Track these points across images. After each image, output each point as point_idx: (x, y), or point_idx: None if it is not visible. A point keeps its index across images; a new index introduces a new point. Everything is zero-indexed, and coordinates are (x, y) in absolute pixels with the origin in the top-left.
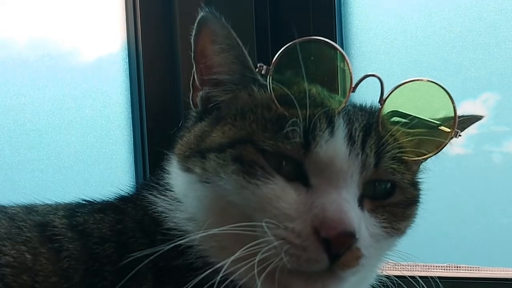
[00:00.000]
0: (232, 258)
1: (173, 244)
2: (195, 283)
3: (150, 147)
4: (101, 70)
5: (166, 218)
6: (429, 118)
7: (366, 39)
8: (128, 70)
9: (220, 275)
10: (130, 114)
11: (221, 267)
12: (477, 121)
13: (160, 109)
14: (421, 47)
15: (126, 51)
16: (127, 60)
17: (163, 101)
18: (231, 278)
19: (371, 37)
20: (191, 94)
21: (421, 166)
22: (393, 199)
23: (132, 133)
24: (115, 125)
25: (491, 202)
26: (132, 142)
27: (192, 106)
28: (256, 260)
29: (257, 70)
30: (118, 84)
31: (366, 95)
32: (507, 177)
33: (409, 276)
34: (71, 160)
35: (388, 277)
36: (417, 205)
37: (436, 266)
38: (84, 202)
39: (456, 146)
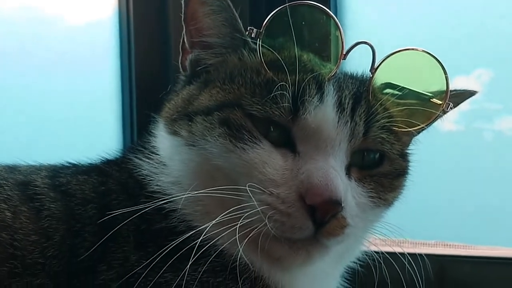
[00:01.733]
0: (214, 221)
1: (154, 205)
2: (177, 246)
3: (138, 113)
4: (91, 35)
5: (150, 181)
6: (421, 90)
7: (360, 9)
8: (118, 37)
9: (201, 238)
10: (120, 80)
11: (203, 231)
12: (470, 96)
13: (150, 76)
14: (416, 21)
15: (117, 17)
16: (118, 26)
17: (153, 68)
18: (213, 242)
19: (366, 8)
20: (180, 57)
21: (412, 140)
22: (381, 169)
23: (121, 99)
24: (104, 91)
25: (481, 180)
26: (121, 108)
27: (181, 70)
28: (239, 225)
29: (247, 33)
30: (108, 50)
31: (359, 65)
32: (498, 155)
33: (397, 252)
34: (58, 125)
35: (376, 252)
36: (406, 177)
37: (424, 243)
38: (68, 164)
39: (447, 122)
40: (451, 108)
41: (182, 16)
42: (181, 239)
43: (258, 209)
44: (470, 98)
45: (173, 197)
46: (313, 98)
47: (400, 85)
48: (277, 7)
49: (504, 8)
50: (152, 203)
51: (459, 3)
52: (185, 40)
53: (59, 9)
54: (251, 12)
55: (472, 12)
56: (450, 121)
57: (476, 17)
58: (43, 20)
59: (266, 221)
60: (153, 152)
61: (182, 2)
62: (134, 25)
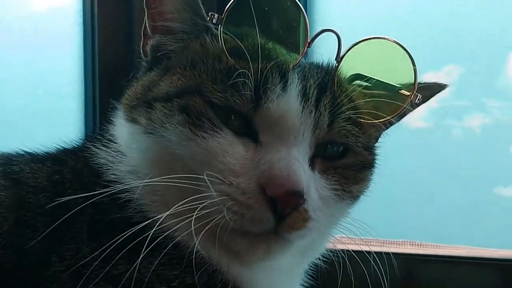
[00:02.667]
0: (169, 211)
1: (110, 192)
2: (132, 238)
3: (101, 101)
4: (54, 21)
5: (107, 170)
6: (389, 81)
7: (330, 2)
8: (82, 23)
9: (154, 229)
10: (83, 69)
11: (157, 221)
12: (440, 90)
13: (113, 63)
14: (387, 15)
15: (81, 2)
16: (81, 12)
17: (116, 54)
18: (169, 233)
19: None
20: (141, 43)
21: (381, 135)
22: (346, 160)
23: (83, 88)
24: (66, 79)
25: (449, 177)
26: (84, 95)
27: (142, 55)
28: (195, 216)
29: (208, 18)
30: (71, 36)
31: (327, 55)
32: (466, 153)
33: (364, 251)
34: (18, 113)
35: (342, 250)
36: (371, 170)
37: (392, 242)
38: (23, 152)
39: (416, 119)
40: (419, 101)
41: None
42: (135, 229)
43: (217, 199)
44: (440, 95)
45: (129, 185)
46: (275, 87)
47: (369, 76)
48: None
49: (475, 4)
50: (107, 191)
51: None
52: (147, 24)
53: None
54: None
55: (443, 7)
56: (419, 118)
57: (447, 13)
58: (6, 3)
59: (225, 212)
60: (110, 140)
61: None
62: (97, 11)
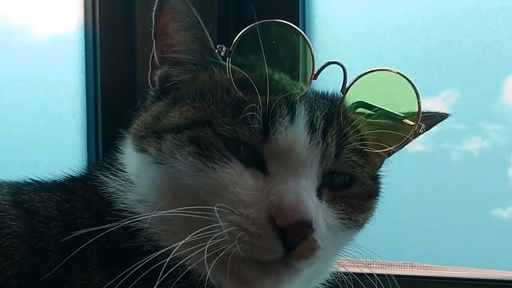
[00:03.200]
0: (183, 241)
1: (121, 225)
2: (143, 267)
3: (104, 131)
4: (56, 49)
5: (116, 199)
6: (393, 110)
7: (328, 31)
8: (84, 51)
9: (169, 258)
10: (85, 97)
11: (171, 251)
12: (442, 119)
13: (115, 91)
14: (383, 42)
15: (83, 30)
16: (84, 40)
17: (119, 82)
18: (181, 262)
19: (334, 30)
20: (149, 73)
21: (384, 162)
22: (352, 190)
23: (86, 116)
24: (68, 107)
25: (448, 200)
26: (86, 126)
27: (150, 85)
28: (207, 246)
29: (216, 51)
30: (73, 64)
31: (328, 84)
32: (465, 176)
33: (366, 273)
34: (21, 141)
35: (345, 273)
36: (376, 199)
37: (392, 264)
38: (31, 181)
39: (415, 143)
40: (423, 130)
41: (152, 31)
42: (147, 259)
43: (226, 230)
44: None
45: (139, 216)
46: (283, 119)
47: (373, 104)
48: (245, 25)
49: (471, 29)
50: (120, 222)
51: (426, 25)
52: (155, 55)
53: (27, 20)
54: (219, 29)
55: (440, 33)
56: (417, 142)
57: (443, 38)
58: (9, 30)
59: (236, 242)
60: (120, 169)
61: (153, 17)
62: (100, 38)
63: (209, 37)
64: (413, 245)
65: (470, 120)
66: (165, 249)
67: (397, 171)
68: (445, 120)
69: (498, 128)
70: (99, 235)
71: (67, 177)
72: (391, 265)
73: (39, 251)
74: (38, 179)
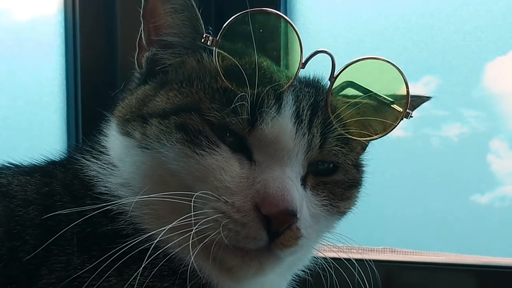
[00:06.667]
0: (169, 226)
1: (102, 209)
2: (124, 251)
3: (84, 114)
4: (36, 32)
5: (97, 182)
6: (383, 94)
7: (310, 16)
8: (64, 34)
9: (155, 242)
10: (65, 80)
11: (154, 235)
12: (424, 101)
13: (96, 76)
14: (365, 28)
15: (63, 13)
16: (63, 23)
17: (99, 67)
18: (164, 248)
19: (316, 15)
20: (136, 54)
21: (367, 147)
22: (335, 177)
23: (65, 99)
24: (48, 90)
25: (428, 186)
26: (66, 109)
27: (136, 67)
28: (192, 232)
29: (203, 40)
30: (53, 47)
31: (311, 71)
32: (444, 161)
33: (344, 259)
34: (0, 125)
35: (324, 259)
36: (358, 188)
37: (372, 250)
38: (10, 164)
39: (396, 129)
40: (410, 117)
41: (141, 11)
42: (131, 243)
43: (213, 216)
44: None
45: (122, 201)
46: (271, 109)
47: (363, 86)
48: (226, 13)
49: (452, 15)
50: (102, 206)
51: (407, 10)
52: (143, 36)
53: (6, 2)
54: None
55: (420, 19)
56: (398, 128)
57: (424, 24)
58: None
59: (220, 229)
60: (102, 152)
61: None
62: (80, 21)
63: (201, 21)
64: (392, 230)
65: (450, 106)
66: (148, 234)
67: (378, 157)
68: (426, 105)
69: (478, 114)
70: (79, 218)
71: (47, 160)
72: (371, 250)
73: (18, 235)
74: (17, 163)
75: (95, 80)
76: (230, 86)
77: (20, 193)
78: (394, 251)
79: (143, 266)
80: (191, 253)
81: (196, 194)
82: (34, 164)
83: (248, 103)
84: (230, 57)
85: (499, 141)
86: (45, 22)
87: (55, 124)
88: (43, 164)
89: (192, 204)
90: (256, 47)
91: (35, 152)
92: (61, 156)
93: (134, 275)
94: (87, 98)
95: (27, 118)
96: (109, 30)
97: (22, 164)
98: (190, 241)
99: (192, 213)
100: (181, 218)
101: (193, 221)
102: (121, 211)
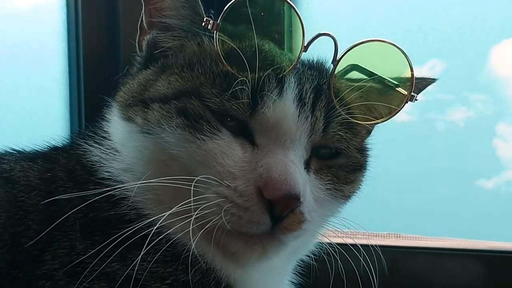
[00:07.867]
0: (170, 211)
1: (106, 194)
2: (126, 236)
3: (86, 100)
4: (37, 18)
5: (100, 168)
6: (387, 77)
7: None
8: (66, 19)
9: (155, 227)
10: (67, 66)
11: (156, 220)
12: (429, 84)
13: (98, 62)
14: (370, 11)
15: None
16: (65, 9)
17: (101, 53)
18: (166, 232)
19: None
20: (137, 36)
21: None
22: (339, 160)
23: (68, 85)
24: (50, 76)
25: (433, 170)
26: (68, 95)
27: (137, 50)
28: (194, 217)
29: (203, 24)
30: (55, 33)
31: (314, 54)
32: (450, 146)
33: (350, 244)
34: (3, 111)
35: (329, 244)
36: (363, 171)
37: (377, 235)
38: (13, 150)
39: (400, 113)
40: (415, 100)
41: None
42: (133, 228)
43: (216, 201)
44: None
45: (124, 185)
46: (272, 93)
47: (368, 69)
48: None
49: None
50: (104, 190)
51: None
52: (143, 19)
53: None
54: None
55: (426, 1)
56: (403, 112)
57: (429, 7)
58: None
59: (222, 214)
60: (104, 138)
61: None
62: (82, 7)
63: (201, 4)
64: (398, 215)
65: (455, 89)
66: (150, 219)
67: (383, 141)
68: (430, 89)
69: (484, 98)
70: (81, 203)
71: (49, 146)
72: (376, 236)
73: (20, 220)
74: (20, 149)
75: (98, 66)
76: (231, 70)
77: (22, 178)
78: (400, 237)
79: (145, 251)
80: (191, 239)
81: (197, 178)
82: (37, 150)
83: (249, 87)
84: (229, 41)
85: (505, 125)
86: (47, 8)
87: (58, 110)
88: (45, 150)
89: (192, 188)
90: (258, 30)
91: (38, 138)
92: (64, 142)
93: (136, 260)
94: (90, 84)
95: (30, 104)
96: (111, 16)
97: (24, 150)
98: (191, 227)
99: (192, 198)
100: (182, 203)
101: (192, 206)
102: (123, 196)
